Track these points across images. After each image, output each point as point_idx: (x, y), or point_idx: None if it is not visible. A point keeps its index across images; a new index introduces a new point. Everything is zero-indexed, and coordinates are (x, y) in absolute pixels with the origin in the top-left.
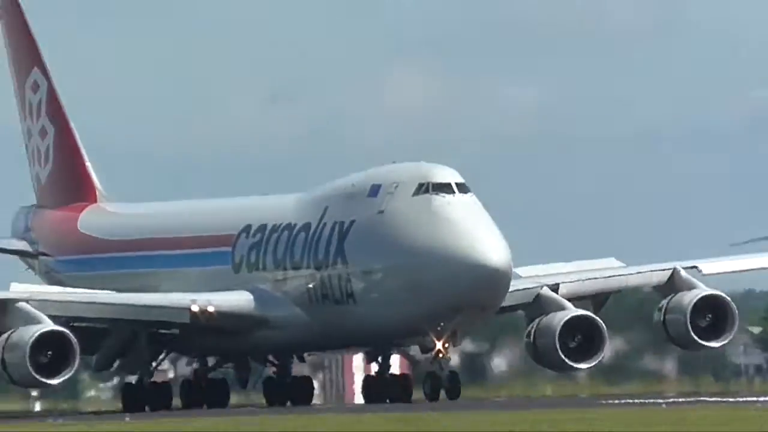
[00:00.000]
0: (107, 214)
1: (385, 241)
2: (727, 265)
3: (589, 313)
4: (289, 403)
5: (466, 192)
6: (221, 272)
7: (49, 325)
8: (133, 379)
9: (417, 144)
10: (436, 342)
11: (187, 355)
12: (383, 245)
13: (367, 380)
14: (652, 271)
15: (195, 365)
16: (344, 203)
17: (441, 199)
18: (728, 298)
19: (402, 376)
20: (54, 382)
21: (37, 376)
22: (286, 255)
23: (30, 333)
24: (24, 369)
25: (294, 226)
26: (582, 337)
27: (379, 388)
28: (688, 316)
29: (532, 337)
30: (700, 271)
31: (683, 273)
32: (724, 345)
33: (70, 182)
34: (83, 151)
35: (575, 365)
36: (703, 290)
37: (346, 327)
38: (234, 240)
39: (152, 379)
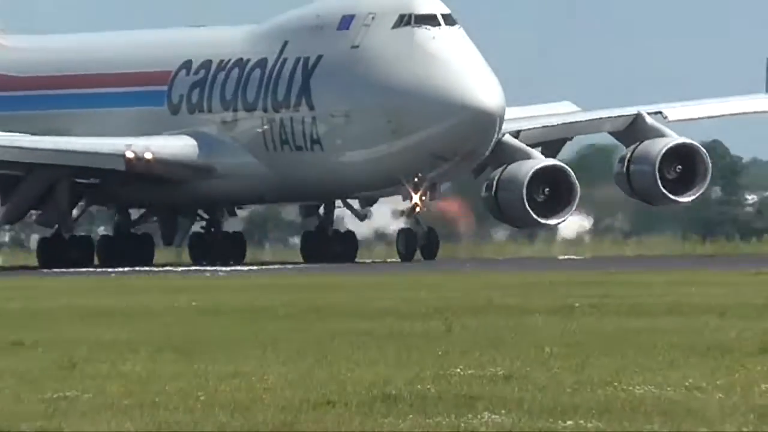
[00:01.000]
0: (8, 49)
1: (360, 79)
2: (696, 110)
3: (559, 162)
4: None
5: (453, 24)
6: (155, 114)
7: None
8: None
9: None
10: (413, 194)
11: (108, 206)
12: (358, 84)
13: (306, 237)
14: (616, 117)
15: (116, 219)
16: (309, 36)
17: (425, 33)
18: (701, 148)
19: (347, 232)
20: None
21: None
22: (237, 94)
23: None
24: None
25: (246, 62)
26: (550, 190)
27: (320, 245)
28: (657, 167)
29: (493, 190)
30: (665, 117)
31: (648, 119)
32: (694, 200)
33: None
34: None
35: (543, 221)
36: (673, 138)
37: (308, 177)
38: (171, 77)
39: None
